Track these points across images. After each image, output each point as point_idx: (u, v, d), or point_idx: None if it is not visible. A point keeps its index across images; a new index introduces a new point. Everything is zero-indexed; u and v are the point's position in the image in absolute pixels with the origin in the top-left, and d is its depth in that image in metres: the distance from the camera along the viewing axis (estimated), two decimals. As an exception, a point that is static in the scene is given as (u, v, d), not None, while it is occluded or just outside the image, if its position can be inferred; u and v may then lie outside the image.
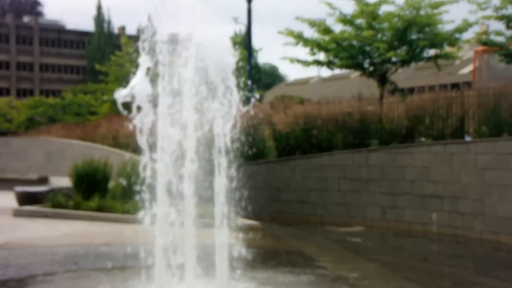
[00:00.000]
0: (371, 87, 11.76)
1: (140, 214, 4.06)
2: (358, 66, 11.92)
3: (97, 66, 23.10)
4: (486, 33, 12.12)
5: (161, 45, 4.04)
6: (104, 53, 36.90)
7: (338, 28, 11.72)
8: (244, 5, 14.05)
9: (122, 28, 41.89)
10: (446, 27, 11.79)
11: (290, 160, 10.24)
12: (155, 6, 3.97)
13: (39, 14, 49.70)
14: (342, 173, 9.71)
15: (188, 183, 4.16)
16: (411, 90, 17.17)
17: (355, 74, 21.34)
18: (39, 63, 43.64)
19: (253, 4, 15.53)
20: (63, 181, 9.34)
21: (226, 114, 4.43)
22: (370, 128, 10.03)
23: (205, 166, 4.30)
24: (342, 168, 9.72)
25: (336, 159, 9.79)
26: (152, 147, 4.06)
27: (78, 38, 44.21)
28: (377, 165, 9.38)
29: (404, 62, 11.75)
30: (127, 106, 3.95)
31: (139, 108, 4.01)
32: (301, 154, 10.31)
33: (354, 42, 11.65)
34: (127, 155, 9.41)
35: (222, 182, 4.30)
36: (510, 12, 11.29)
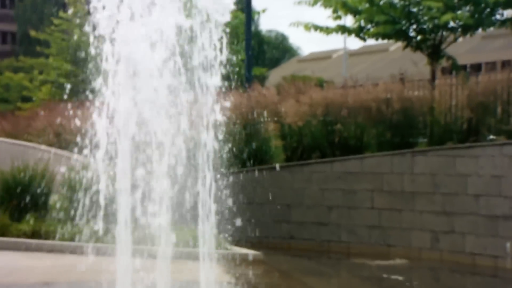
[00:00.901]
0: (418, 64, 11.68)
1: (94, 240, 4.16)
2: (400, 35, 11.73)
3: (33, 33, 22.56)
4: None
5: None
6: (42, 14, 35.93)
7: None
8: None
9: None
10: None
11: (303, 165, 10.29)
12: None
13: None
14: (376, 184, 9.77)
15: (162, 198, 4.25)
16: (477, 68, 17.11)
17: (395, 45, 21.33)
18: None
19: None
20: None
21: (213, 102, 4.53)
22: (417, 122, 10.07)
23: (185, 175, 4.36)
24: (377, 177, 9.77)
25: (368, 165, 9.83)
26: (112, 147, 4.15)
27: (4, -8, 43.38)
28: (426, 173, 9.42)
29: (467, 29, 11.36)
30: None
31: (97, 92, 4.12)
32: (319, 157, 10.37)
33: (396, 1, 11.51)
34: (76, 158, 9.49)
35: (208, 196, 4.38)
36: None
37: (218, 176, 4.52)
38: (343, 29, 11.91)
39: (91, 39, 4.17)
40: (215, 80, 4.49)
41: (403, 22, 11.50)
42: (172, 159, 4.33)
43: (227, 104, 4.46)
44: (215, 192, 4.43)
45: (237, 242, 6.52)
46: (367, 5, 11.37)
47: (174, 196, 4.28)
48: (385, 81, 10.56)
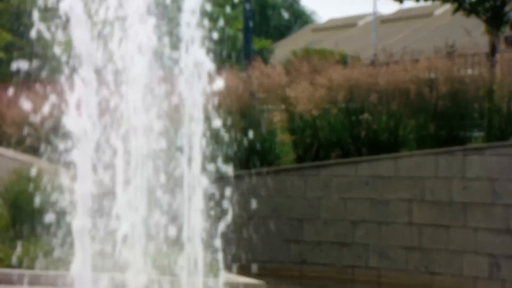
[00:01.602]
0: (472, 32, 11.56)
1: (44, 267, 4.32)
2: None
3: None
4: None
5: None
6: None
7: None
8: None
9: None
10: None
11: (319, 167, 10.30)
12: None
13: None
14: (415, 193, 9.75)
15: (134, 212, 4.32)
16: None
17: (442, 9, 21.25)
18: None
19: None
20: None
21: (199, 86, 4.61)
22: (470, 110, 10.08)
23: (165, 181, 4.45)
24: (416, 182, 9.75)
25: (404, 167, 9.82)
26: (68, 143, 4.20)
27: None
28: (483, 177, 9.39)
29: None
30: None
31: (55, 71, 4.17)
32: (340, 156, 10.37)
33: None
34: (21, 159, 9.58)
35: (195, 209, 4.49)
36: None
37: (208, 182, 4.60)
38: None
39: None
40: (200, 56, 4.54)
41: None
42: (146, 161, 4.43)
43: (218, 88, 4.56)
44: (204, 204, 4.53)
45: (233, 268, 6.54)
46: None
47: (150, 208, 4.38)
48: (428, 55, 10.56)
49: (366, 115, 10.17)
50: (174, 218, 4.51)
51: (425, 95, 10.07)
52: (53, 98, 4.15)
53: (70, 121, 4.15)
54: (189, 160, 4.54)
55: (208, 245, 4.52)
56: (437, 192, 9.59)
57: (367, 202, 9.96)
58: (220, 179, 4.83)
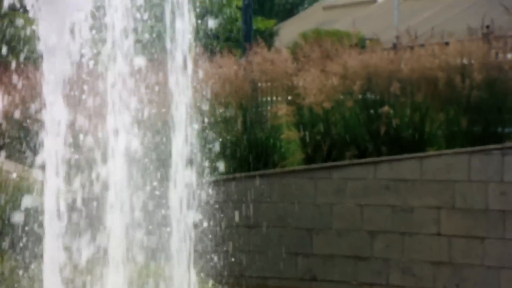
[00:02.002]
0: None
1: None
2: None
3: None
4: None
5: None
6: None
7: None
8: None
9: None
10: None
11: (332, 169, 10.33)
12: None
13: None
14: (444, 198, 9.75)
15: (112, 220, 4.43)
16: None
17: (475, -17, 21.13)
18: None
19: None
20: None
21: (189, 73, 4.72)
22: (510, 101, 10.07)
23: (149, 184, 4.54)
24: (446, 187, 9.76)
25: (431, 168, 9.83)
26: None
27: None
28: (525, 181, 9.44)
29: None
30: None
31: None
32: (356, 156, 10.41)
33: None
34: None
35: (185, 216, 4.58)
36: None
37: (200, 186, 4.70)
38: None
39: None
40: (188, 38, 4.67)
41: None
42: (127, 159, 4.50)
43: (213, 75, 4.50)
44: (196, 210, 4.61)
45: (230, 286, 6.57)
46: None
47: (131, 216, 4.45)
48: (460, 38, 10.52)
49: (386, 108, 10.16)
50: (160, 228, 4.60)
51: (456, 85, 10.06)
52: (19, 89, 4.36)
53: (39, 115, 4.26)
54: (180, 160, 4.63)
55: (200, 259, 4.60)
56: (470, 198, 9.59)
57: (387, 210, 9.97)
58: (215, 183, 4.98)
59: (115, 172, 4.46)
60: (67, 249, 4.33)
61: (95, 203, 4.43)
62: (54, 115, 4.36)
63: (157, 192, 4.64)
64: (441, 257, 9.71)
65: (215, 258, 4.82)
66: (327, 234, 10.25)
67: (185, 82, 4.71)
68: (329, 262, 10.25)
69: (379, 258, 9.99)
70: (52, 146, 4.33)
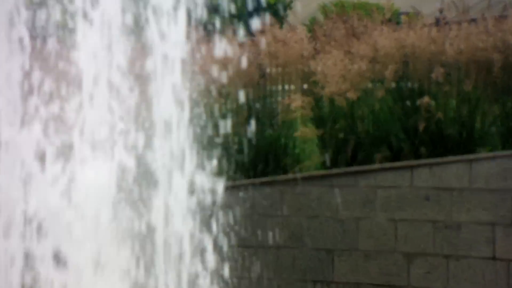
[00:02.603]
0: None
1: None
2: None
3: None
4: None
5: None
6: None
7: None
8: None
9: None
10: None
11: (358, 174, 10.36)
12: None
13: None
14: (500, 212, 9.74)
15: (81, 241, 4.63)
16: None
17: None
18: None
19: None
20: None
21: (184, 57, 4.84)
22: None
23: (134, 192, 4.66)
24: (502, 197, 9.74)
25: (483, 174, 9.82)
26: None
27: None
28: None
29: None
30: None
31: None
32: (388, 159, 10.47)
33: None
34: None
35: (177, 231, 4.71)
36: None
37: (195, 195, 4.82)
38: None
39: None
40: (182, 16, 4.77)
41: None
42: (107, 162, 4.66)
43: (210, 60, 4.49)
44: (187, 226, 4.75)
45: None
46: None
47: (109, 235, 4.63)
48: (517, 12, 10.56)
49: (426, 99, 10.17)
50: (147, 248, 4.70)
51: (513, 70, 10.16)
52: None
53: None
54: (172, 162, 4.73)
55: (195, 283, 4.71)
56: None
57: (427, 226, 9.96)
58: (212, 192, 5.05)
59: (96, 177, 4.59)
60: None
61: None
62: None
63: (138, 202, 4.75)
64: (496, 286, 9.70)
65: (216, 283, 4.89)
66: (352, 256, 10.24)
67: (174, 69, 4.78)
68: (354, 292, 10.33)
69: (418, 287, 9.97)
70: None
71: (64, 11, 4.74)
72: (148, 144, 4.74)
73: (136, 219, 4.74)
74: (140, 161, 4.74)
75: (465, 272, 9.81)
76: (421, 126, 10.21)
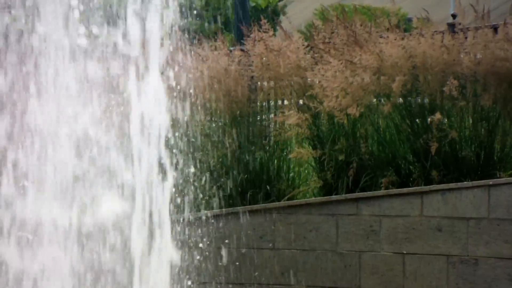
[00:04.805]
0: None
1: None
2: None
3: None
4: None
5: None
6: None
7: None
8: None
9: None
10: None
11: (361, 201, 10.25)
12: None
13: None
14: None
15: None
16: None
17: None
18: None
19: None
20: None
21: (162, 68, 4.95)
22: None
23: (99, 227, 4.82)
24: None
25: (504, 201, 9.74)
26: None
27: None
28: None
29: None
30: None
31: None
32: (394, 183, 10.37)
33: None
34: None
35: (154, 267, 4.82)
36: None
37: (174, 226, 4.98)
38: None
39: None
40: (160, 21, 4.80)
41: None
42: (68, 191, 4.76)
43: (195, 72, 4.43)
44: (167, 260, 4.84)
45: None
46: None
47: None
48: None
49: (439, 116, 10.07)
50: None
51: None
52: None
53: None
54: (142, 192, 4.75)
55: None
56: None
57: (440, 261, 9.86)
58: (194, 223, 5.44)
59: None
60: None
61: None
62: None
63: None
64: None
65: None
66: None
67: (155, 84, 4.82)
68: None
69: None
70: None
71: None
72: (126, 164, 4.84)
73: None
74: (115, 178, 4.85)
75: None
76: (433, 147, 10.06)
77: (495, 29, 10.42)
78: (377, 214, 10.06)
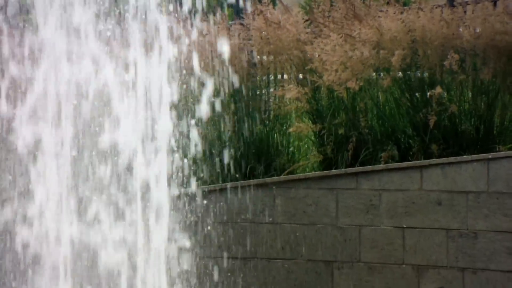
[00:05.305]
0: None
1: None
2: None
3: None
4: None
5: None
6: None
7: None
8: None
9: None
10: None
11: (361, 176, 10.29)
12: None
13: None
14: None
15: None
16: None
17: None
18: None
19: None
20: None
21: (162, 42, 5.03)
22: None
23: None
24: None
25: (504, 175, 9.75)
26: None
27: None
28: None
29: None
30: None
31: None
32: (394, 157, 10.44)
33: None
34: None
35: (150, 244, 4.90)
36: None
37: (175, 201, 5.00)
38: None
39: None
40: None
41: None
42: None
43: (193, 46, 4.90)
44: (167, 236, 4.85)
45: None
46: None
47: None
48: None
49: (439, 90, 10.10)
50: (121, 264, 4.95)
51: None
52: None
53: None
54: (142, 167, 4.85)
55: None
56: None
57: (440, 235, 9.89)
58: (194, 197, 5.41)
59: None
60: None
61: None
62: None
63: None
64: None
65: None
66: (354, 269, 10.23)
67: (153, 57, 4.90)
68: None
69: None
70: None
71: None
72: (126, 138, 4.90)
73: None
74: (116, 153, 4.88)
75: (483, 287, 9.78)
76: (432, 121, 10.11)
77: (494, 2, 10.41)
78: (377, 188, 10.10)
